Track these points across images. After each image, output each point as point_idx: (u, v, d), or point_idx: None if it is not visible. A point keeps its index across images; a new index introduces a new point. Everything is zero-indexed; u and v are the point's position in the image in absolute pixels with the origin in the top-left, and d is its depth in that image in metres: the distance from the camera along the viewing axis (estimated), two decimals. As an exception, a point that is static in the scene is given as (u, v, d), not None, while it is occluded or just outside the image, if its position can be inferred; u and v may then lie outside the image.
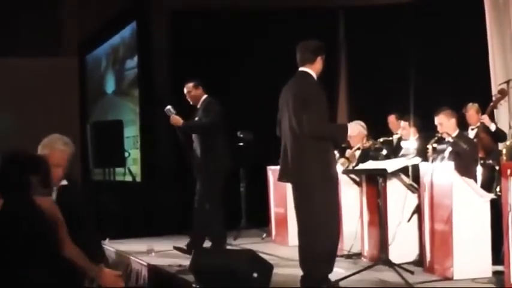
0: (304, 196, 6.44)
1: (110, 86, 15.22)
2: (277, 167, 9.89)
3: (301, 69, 6.57)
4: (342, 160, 8.94)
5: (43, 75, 15.17)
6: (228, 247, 8.98)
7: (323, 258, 6.42)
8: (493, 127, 8.72)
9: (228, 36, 12.13)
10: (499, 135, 8.64)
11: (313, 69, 6.52)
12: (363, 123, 9.33)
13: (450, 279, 6.84)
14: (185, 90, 8.94)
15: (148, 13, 12.77)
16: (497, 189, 7.01)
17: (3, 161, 4.17)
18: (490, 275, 6.76)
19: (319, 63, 6.54)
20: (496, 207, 6.59)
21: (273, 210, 10.22)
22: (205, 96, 8.94)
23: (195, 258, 7.13)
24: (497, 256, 6.64)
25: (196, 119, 8.77)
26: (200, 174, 8.77)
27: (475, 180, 7.47)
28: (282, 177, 6.76)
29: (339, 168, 8.67)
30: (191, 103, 8.91)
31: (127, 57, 13.96)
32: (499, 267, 6.55)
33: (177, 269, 7.84)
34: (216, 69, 11.63)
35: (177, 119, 8.70)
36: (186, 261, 7.54)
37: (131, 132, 13.37)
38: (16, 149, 4.33)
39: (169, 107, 8.81)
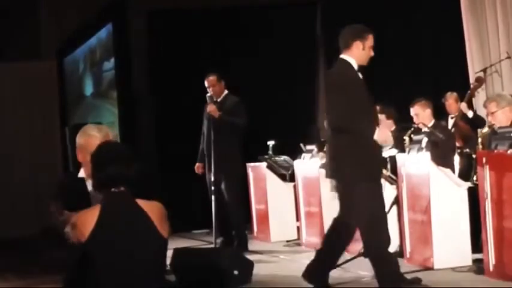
0: (344, 196, 6.09)
1: (89, 88, 15.16)
2: (257, 164, 10.04)
3: (340, 56, 6.13)
4: (321, 154, 8.95)
5: (22, 79, 15.07)
6: (210, 246, 8.96)
7: (378, 257, 6.09)
8: (470, 114, 8.76)
9: (206, 35, 12.10)
10: (478, 122, 8.66)
11: (351, 56, 6.00)
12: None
13: (431, 268, 6.87)
14: (207, 84, 8.92)
15: (125, 14, 12.70)
16: (475, 177, 7.02)
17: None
18: (470, 263, 6.79)
19: (357, 49, 5.97)
20: (474, 195, 6.60)
21: (254, 207, 10.22)
22: (226, 91, 8.98)
23: (176, 257, 7.11)
24: (477, 244, 6.66)
25: (220, 113, 8.69)
26: (224, 173, 8.69)
27: (453, 170, 7.49)
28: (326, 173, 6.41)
29: (318, 162, 8.68)
30: (211, 94, 8.84)
31: (104, 59, 13.90)
32: (479, 255, 6.56)
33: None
34: (194, 68, 11.60)
35: (214, 109, 8.66)
36: (167, 260, 7.50)
37: (112, 134, 13.28)
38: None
39: (210, 94, 8.76)
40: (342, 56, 6.07)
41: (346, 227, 6.13)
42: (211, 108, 8.66)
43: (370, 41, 6.06)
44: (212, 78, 8.93)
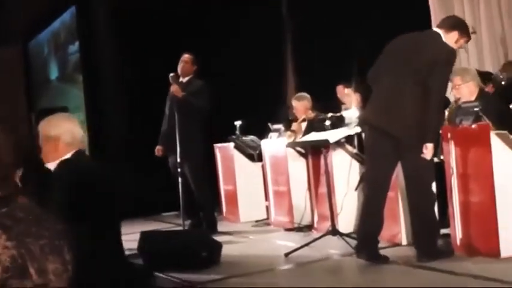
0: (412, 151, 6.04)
1: (54, 72, 15.02)
2: (225, 144, 9.99)
3: (435, 29, 6.32)
4: (288, 133, 8.95)
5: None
6: (179, 228, 8.91)
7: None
8: None
9: (172, 16, 11.99)
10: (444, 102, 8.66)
11: (445, 38, 6.15)
12: (307, 95, 9.33)
13: (399, 244, 6.89)
14: (181, 59, 8.88)
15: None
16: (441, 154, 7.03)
17: None
18: (437, 238, 6.78)
19: (451, 38, 6.15)
20: (440, 171, 6.60)
21: (223, 188, 10.19)
22: (192, 75, 8.91)
23: (143, 240, 7.06)
24: (443, 219, 6.67)
25: (184, 94, 8.60)
26: (188, 155, 8.54)
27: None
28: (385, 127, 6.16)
29: (285, 141, 8.67)
30: (179, 72, 8.77)
31: (69, 42, 13.77)
32: (446, 230, 6.58)
33: (127, 252, 7.74)
34: (160, 50, 11.50)
35: (178, 89, 8.56)
36: (134, 244, 7.45)
37: (78, 118, 13.19)
38: None
39: (173, 74, 8.65)
40: (439, 31, 6.22)
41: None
42: (174, 88, 8.56)
43: (461, 42, 6.27)
44: (187, 56, 8.87)
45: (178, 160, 8.38)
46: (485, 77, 8.44)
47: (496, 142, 5.84)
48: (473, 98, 6.86)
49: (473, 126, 6.01)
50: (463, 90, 6.99)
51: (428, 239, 6.16)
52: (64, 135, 4.62)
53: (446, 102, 8.51)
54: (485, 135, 5.85)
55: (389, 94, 6.14)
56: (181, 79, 8.78)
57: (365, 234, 6.23)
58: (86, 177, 4.45)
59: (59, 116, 4.78)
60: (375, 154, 6.25)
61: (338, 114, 8.76)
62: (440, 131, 6.36)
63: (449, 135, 6.25)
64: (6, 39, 15.51)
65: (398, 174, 6.61)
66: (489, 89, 8.43)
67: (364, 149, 6.59)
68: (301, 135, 8.79)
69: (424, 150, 5.94)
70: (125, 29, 12.12)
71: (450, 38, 6.15)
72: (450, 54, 6.08)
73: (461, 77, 7.08)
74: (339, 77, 10.20)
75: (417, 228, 6.23)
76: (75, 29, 13.20)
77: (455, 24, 6.28)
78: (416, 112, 5.95)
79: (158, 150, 9.03)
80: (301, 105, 9.20)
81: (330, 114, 8.69)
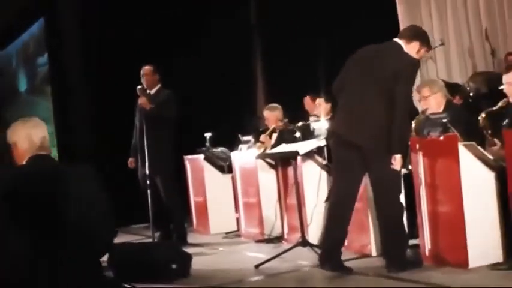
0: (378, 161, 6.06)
1: (23, 84, 14.92)
2: (195, 156, 9.97)
3: (396, 40, 6.27)
4: (258, 144, 8.96)
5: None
6: (149, 240, 8.89)
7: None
8: None
9: (140, 27, 11.96)
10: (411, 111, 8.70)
11: (406, 48, 6.18)
12: (278, 105, 9.37)
13: (368, 255, 6.90)
14: (142, 72, 8.86)
15: (56, 8, 12.51)
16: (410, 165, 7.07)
17: None
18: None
19: (412, 48, 6.19)
20: (409, 182, 6.64)
21: (193, 199, 10.17)
22: (159, 85, 8.89)
23: (113, 252, 7.01)
24: (412, 230, 6.70)
25: (152, 106, 8.58)
26: (158, 166, 8.56)
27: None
28: (350, 137, 6.18)
29: (255, 152, 8.67)
30: (145, 86, 8.75)
31: (38, 54, 13.70)
32: (415, 241, 6.61)
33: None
34: (129, 61, 11.44)
35: (145, 101, 8.53)
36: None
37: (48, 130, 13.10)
38: None
39: (140, 87, 8.63)
40: (399, 41, 6.24)
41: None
42: (142, 100, 8.56)
43: (422, 52, 6.31)
44: (148, 68, 8.87)
45: (147, 172, 8.37)
46: (453, 88, 8.52)
47: (464, 153, 5.89)
48: (440, 110, 6.91)
49: (441, 137, 6.05)
50: (430, 101, 7.03)
51: (397, 249, 6.18)
52: (20, 141, 4.63)
53: (415, 113, 8.58)
54: (454, 146, 5.89)
55: (354, 105, 6.18)
56: (148, 91, 8.77)
57: (329, 246, 6.24)
58: (17, 186, 4.40)
59: (17, 122, 4.77)
60: (341, 165, 6.28)
61: (307, 122, 8.79)
62: (409, 142, 6.40)
63: (417, 146, 6.29)
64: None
65: (366, 185, 6.65)
66: (457, 100, 8.51)
67: (332, 160, 6.61)
68: (270, 146, 8.81)
69: (393, 161, 5.97)
70: (94, 40, 12.08)
71: (411, 48, 6.19)
72: (413, 65, 6.14)
73: (429, 88, 7.13)
74: (309, 87, 10.24)
75: (386, 239, 6.25)
76: (43, 40, 13.13)
77: (416, 34, 6.30)
78: (381, 122, 5.99)
79: (131, 162, 9.05)
80: (273, 115, 9.25)
81: (300, 123, 8.72)
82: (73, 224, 4.43)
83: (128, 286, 6.16)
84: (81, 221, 4.47)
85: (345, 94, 6.27)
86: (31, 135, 4.64)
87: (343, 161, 6.23)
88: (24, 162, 4.64)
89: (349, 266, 6.29)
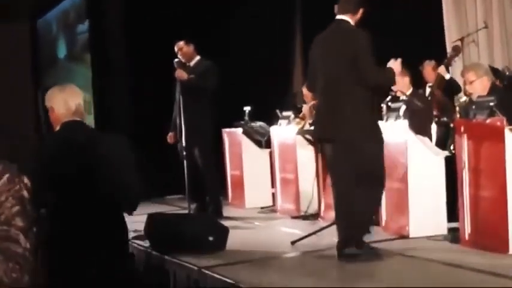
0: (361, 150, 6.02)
1: (62, 51, 14.98)
2: (233, 130, 9.96)
3: (340, 17, 6.19)
4: (297, 120, 8.91)
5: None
6: (184, 211, 8.90)
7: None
8: (447, 76, 8.66)
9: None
10: (453, 86, 8.61)
11: (353, 20, 6.15)
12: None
13: (406, 237, 6.85)
14: (176, 49, 8.77)
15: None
16: (452, 146, 7.01)
17: None
18: (445, 232, 6.78)
19: (359, 15, 6.16)
20: (451, 164, 6.59)
21: (229, 173, 10.16)
22: (198, 56, 8.83)
23: (150, 223, 7.04)
24: (452, 213, 6.66)
25: (192, 76, 8.56)
26: (196, 138, 8.50)
27: (430, 138, 7.46)
28: (325, 133, 6.25)
29: (295, 128, 8.64)
30: (183, 60, 8.72)
31: (78, 21, 13.72)
32: (454, 224, 6.57)
33: (133, 234, 7.73)
34: (170, 32, 11.44)
35: (181, 73, 8.50)
36: (141, 225, 7.44)
37: (85, 98, 13.17)
38: None
39: (178, 59, 8.61)
40: (344, 17, 6.17)
41: None
42: (178, 72, 8.52)
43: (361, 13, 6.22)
44: (180, 42, 8.81)
45: (184, 143, 8.36)
46: (493, 73, 8.42)
47: (510, 138, 5.81)
48: (485, 93, 6.83)
49: (487, 120, 5.98)
50: (476, 85, 6.96)
51: (359, 229, 6.11)
52: (56, 105, 4.69)
53: (456, 87, 8.50)
54: (500, 131, 5.82)
55: (328, 99, 6.14)
56: (188, 64, 8.74)
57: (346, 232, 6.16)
58: (53, 152, 4.58)
59: (55, 88, 4.85)
60: (333, 163, 6.24)
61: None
62: (452, 125, 6.34)
63: (462, 128, 6.23)
64: (15, 16, 15.46)
65: (408, 167, 6.61)
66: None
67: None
68: (310, 121, 8.75)
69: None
70: (136, 10, 12.07)
71: (358, 18, 6.16)
72: (366, 38, 6.02)
73: (474, 72, 7.06)
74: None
75: (352, 222, 6.12)
76: (84, 8, 13.15)
77: (358, 2, 6.18)
78: (356, 112, 5.93)
79: (170, 137, 8.98)
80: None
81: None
82: (97, 189, 4.53)
83: (165, 256, 6.20)
84: (105, 187, 4.54)
85: (319, 91, 6.29)
86: (68, 101, 4.71)
87: (333, 159, 6.21)
88: (59, 127, 4.71)
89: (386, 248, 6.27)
